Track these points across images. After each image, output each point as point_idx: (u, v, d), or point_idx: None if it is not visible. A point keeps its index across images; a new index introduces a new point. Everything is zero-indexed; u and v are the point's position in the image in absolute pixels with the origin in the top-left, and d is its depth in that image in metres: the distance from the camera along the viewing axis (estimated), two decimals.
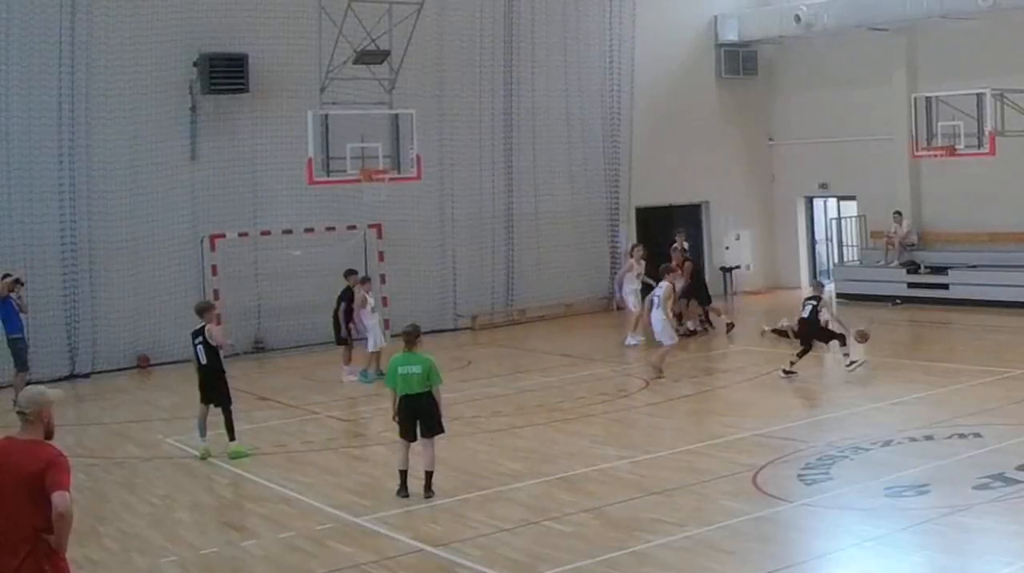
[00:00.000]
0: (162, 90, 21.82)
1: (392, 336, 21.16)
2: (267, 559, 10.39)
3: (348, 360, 19.32)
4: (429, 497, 11.86)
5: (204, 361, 14.26)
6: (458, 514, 11.43)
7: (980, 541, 9.91)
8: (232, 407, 14.33)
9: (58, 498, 6.58)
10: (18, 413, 6.85)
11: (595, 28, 27.03)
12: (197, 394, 14.50)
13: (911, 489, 11.38)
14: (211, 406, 14.31)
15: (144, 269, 21.81)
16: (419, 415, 11.95)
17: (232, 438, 14.26)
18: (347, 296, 19.20)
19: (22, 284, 18.76)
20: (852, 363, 17.80)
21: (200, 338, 14.26)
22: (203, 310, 14.61)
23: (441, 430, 12.09)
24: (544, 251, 26.36)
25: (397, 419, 12.16)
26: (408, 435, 12.03)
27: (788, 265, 29.60)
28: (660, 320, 18.32)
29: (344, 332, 19.20)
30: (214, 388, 14.28)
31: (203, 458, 14.24)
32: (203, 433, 14.38)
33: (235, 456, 14.12)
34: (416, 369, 11.88)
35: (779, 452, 13.18)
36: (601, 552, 9.91)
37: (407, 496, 11.89)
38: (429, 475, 11.95)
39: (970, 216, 25.81)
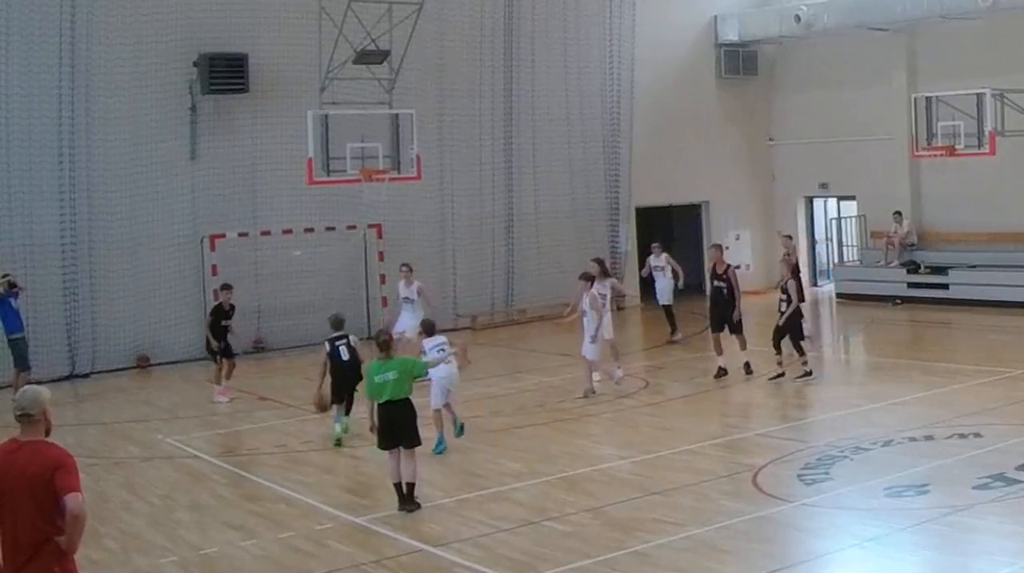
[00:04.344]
0: (162, 90, 21.82)
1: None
2: (267, 559, 10.39)
3: (219, 379, 17.98)
4: (412, 510, 11.42)
5: (347, 357, 14.79)
6: (458, 514, 11.43)
7: (980, 541, 9.92)
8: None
9: (71, 501, 6.54)
10: (22, 415, 6.76)
11: (595, 28, 27.03)
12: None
13: (911, 489, 11.37)
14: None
15: (144, 269, 21.80)
16: (397, 425, 11.52)
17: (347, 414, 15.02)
18: (215, 312, 17.94)
19: (16, 286, 18.73)
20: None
21: (344, 340, 14.90)
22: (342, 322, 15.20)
23: (419, 442, 11.63)
24: (544, 251, 26.35)
25: (376, 429, 11.74)
26: (386, 444, 11.63)
27: None
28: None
29: (216, 346, 17.70)
30: (353, 387, 14.73)
31: (338, 442, 14.76)
32: (338, 419, 14.91)
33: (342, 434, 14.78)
34: (391, 375, 11.49)
35: (779, 452, 13.17)
36: (601, 552, 9.91)
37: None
38: (411, 487, 11.53)
39: (970, 216, 25.82)
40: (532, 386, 18.07)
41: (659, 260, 22.12)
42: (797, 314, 17.31)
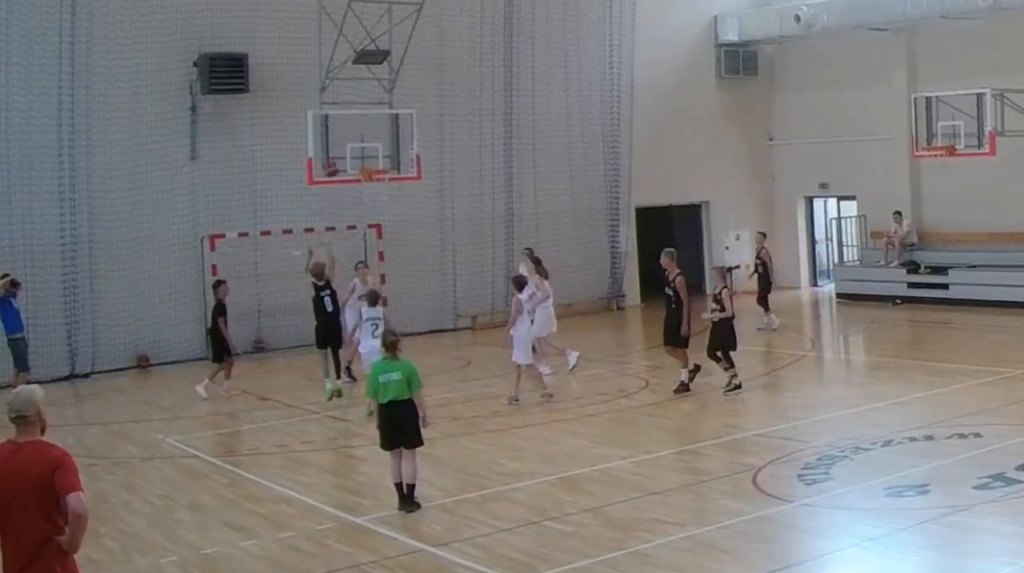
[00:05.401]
0: (162, 90, 21.83)
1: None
2: (267, 559, 10.39)
3: (228, 374, 18.41)
4: (412, 511, 11.41)
5: (331, 309, 17.04)
6: (458, 514, 11.42)
7: (980, 541, 9.92)
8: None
9: (74, 500, 6.55)
10: (17, 417, 6.72)
11: (595, 28, 27.03)
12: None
13: (911, 489, 11.37)
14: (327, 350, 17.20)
15: (144, 269, 21.81)
16: (399, 425, 11.49)
17: (338, 377, 17.12)
18: (218, 309, 18.18)
19: (18, 285, 18.73)
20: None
21: (328, 291, 17.12)
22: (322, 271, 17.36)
23: (420, 442, 11.64)
24: (544, 251, 26.23)
25: (378, 429, 11.75)
26: (388, 445, 11.62)
27: (788, 265, 29.60)
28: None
29: (233, 349, 18.30)
30: (333, 336, 17.13)
31: (330, 398, 16.93)
32: (328, 374, 17.10)
33: (334, 393, 16.97)
34: (396, 375, 11.43)
35: (779, 452, 13.17)
36: (601, 552, 9.91)
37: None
38: (411, 488, 11.52)
39: (970, 216, 25.82)
40: (532, 386, 18.03)
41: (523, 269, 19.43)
42: (728, 323, 16.45)
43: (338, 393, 17.03)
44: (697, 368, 17.00)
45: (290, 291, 22.64)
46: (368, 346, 15.94)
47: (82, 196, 21.14)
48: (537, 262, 18.97)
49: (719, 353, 16.55)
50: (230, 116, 22.54)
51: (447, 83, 24.97)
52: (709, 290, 25.41)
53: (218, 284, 18.76)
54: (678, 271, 16.87)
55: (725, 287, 16.70)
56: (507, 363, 21.03)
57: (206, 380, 18.42)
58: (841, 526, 10.55)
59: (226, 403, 18.03)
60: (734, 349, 16.63)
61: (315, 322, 17.64)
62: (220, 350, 18.23)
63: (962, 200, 25.91)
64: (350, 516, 11.54)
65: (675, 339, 16.78)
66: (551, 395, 16.78)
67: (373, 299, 16.34)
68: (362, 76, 20.39)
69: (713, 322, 16.53)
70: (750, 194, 29.82)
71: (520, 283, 17.24)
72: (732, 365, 16.57)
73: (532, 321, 17.36)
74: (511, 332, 16.81)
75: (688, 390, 16.73)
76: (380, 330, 15.16)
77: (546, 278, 18.71)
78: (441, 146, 24.71)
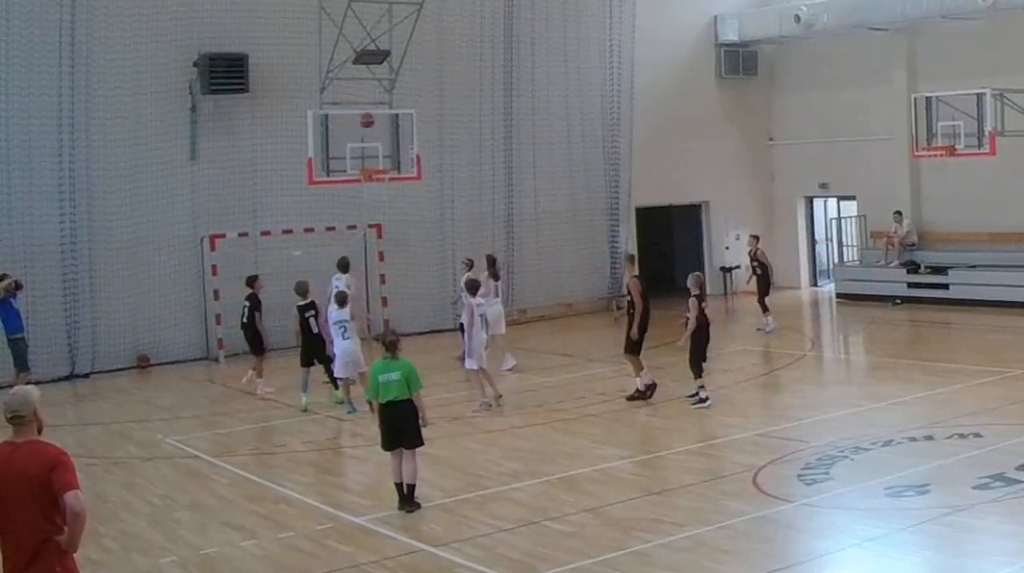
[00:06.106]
0: (162, 90, 21.83)
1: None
2: (267, 559, 10.39)
3: (260, 373, 18.53)
4: (412, 511, 11.43)
5: (316, 330, 16.89)
6: (458, 514, 11.43)
7: (980, 541, 9.92)
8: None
9: (72, 498, 6.54)
10: (14, 417, 6.72)
11: (595, 28, 27.03)
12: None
13: (911, 489, 11.38)
14: (310, 367, 17.05)
15: (144, 269, 21.81)
16: (399, 425, 11.51)
17: (336, 388, 16.95)
18: (255, 304, 18.24)
19: (20, 287, 18.75)
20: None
21: (312, 311, 16.97)
22: (307, 290, 17.20)
23: (421, 442, 11.64)
24: (544, 251, 26.36)
25: (379, 429, 11.77)
26: (388, 445, 11.63)
27: (788, 265, 29.61)
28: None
29: (266, 342, 18.32)
30: (318, 353, 16.96)
31: (305, 410, 16.73)
32: (305, 389, 16.86)
33: (338, 401, 16.85)
34: (395, 376, 11.46)
35: (779, 452, 13.18)
36: (601, 552, 9.92)
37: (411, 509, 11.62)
38: (411, 488, 11.53)
39: (970, 216, 25.82)
40: (532, 386, 18.06)
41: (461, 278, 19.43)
42: (701, 334, 15.66)
43: (339, 402, 16.87)
44: (639, 394, 16.29)
45: (290, 291, 22.58)
46: (340, 347, 16.35)
47: (82, 196, 21.13)
48: (491, 263, 19.61)
49: (693, 364, 15.78)
50: (230, 116, 22.54)
51: (447, 83, 24.96)
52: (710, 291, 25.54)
53: (253, 279, 18.69)
54: (634, 274, 16.41)
55: (693, 296, 15.72)
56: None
57: (258, 380, 18.44)
58: (841, 526, 10.56)
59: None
60: (704, 359, 15.84)
61: (300, 342, 17.12)
62: (259, 343, 18.31)
63: (962, 200, 25.90)
64: (350, 516, 11.54)
65: (629, 346, 16.22)
66: (490, 406, 16.34)
67: (341, 301, 16.40)
68: (362, 76, 20.39)
69: (694, 334, 15.71)
70: (750, 194, 29.82)
71: (474, 287, 17.03)
72: (698, 376, 15.81)
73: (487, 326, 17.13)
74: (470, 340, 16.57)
75: (646, 398, 16.19)
76: (350, 332, 16.21)
77: (496, 280, 19.23)
78: (441, 146, 24.71)
